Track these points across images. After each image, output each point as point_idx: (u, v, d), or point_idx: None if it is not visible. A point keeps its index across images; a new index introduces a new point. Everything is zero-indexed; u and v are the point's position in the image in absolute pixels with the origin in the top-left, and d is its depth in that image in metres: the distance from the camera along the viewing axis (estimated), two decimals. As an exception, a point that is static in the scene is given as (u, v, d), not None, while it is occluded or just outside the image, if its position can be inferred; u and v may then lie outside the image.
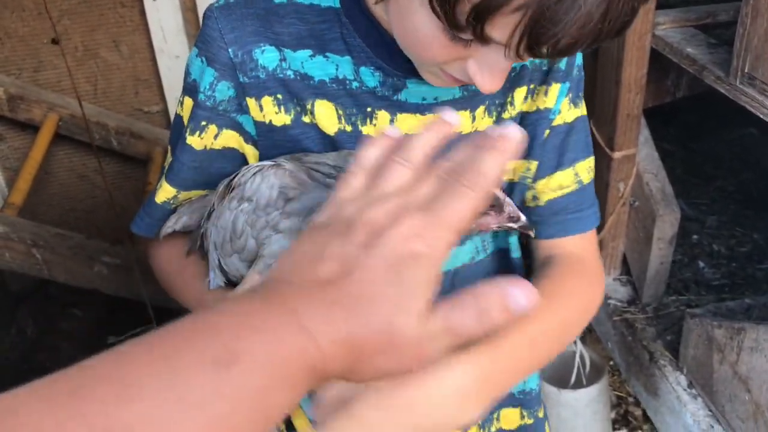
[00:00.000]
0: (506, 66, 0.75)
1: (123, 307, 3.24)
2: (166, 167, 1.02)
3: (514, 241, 1.09)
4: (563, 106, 1.02)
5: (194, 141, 0.97)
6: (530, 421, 1.20)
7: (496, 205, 0.76)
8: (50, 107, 3.05)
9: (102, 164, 3.04)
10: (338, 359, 0.51)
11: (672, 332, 1.89)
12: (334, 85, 0.92)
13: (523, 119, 1.00)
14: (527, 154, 1.02)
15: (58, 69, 3.11)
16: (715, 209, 2.31)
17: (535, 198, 1.07)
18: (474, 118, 0.95)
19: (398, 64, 0.90)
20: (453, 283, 1.05)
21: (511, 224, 0.76)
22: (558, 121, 1.03)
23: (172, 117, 3.34)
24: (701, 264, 2.09)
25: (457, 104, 0.94)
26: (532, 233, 0.78)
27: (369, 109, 0.93)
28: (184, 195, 1.03)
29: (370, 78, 0.92)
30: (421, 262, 0.54)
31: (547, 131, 1.03)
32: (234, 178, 0.90)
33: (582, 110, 1.05)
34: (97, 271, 2.51)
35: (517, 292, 0.54)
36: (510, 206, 0.76)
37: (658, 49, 1.75)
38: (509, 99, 0.96)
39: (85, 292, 2.77)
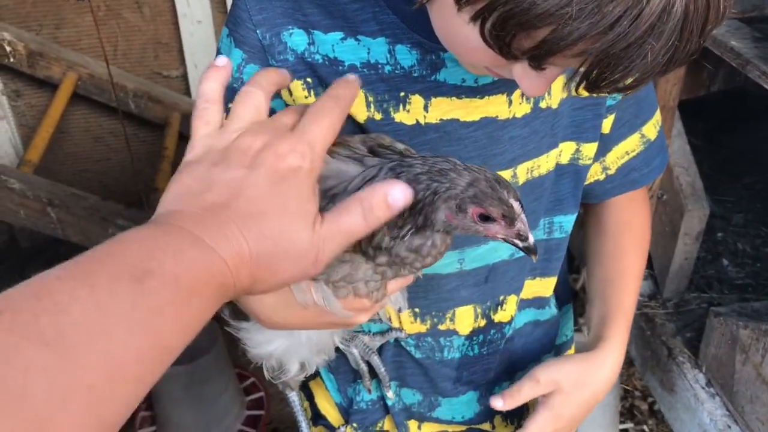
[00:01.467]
0: (555, 74, 0.72)
1: (132, 271, 3.22)
2: None
3: (569, 220, 1.08)
4: None
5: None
6: None
7: (507, 217, 0.74)
8: (69, 66, 3.01)
9: (122, 126, 3.01)
10: (242, 271, 0.57)
11: (692, 329, 1.87)
12: (365, 70, 0.88)
13: (570, 104, 0.97)
14: (576, 138, 1.00)
15: (79, 27, 3.07)
16: (742, 207, 2.28)
17: (605, 169, 1.10)
18: (510, 102, 0.92)
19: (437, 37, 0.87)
20: (488, 278, 1.03)
21: (517, 241, 0.75)
22: (620, 97, 1.02)
23: (191, 83, 3.31)
24: (725, 262, 2.06)
25: (495, 88, 0.90)
26: (534, 258, 0.77)
27: (402, 94, 0.89)
28: None
29: (407, 56, 0.88)
30: (299, 174, 0.61)
31: (610, 116, 1.02)
32: None
33: None
34: (111, 233, 2.49)
35: (396, 191, 0.63)
36: (522, 224, 0.74)
37: (700, 40, 1.70)
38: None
39: (95, 253, 2.75)
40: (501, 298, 1.06)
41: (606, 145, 1.07)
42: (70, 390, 0.41)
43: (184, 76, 3.34)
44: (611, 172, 1.10)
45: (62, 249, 3.35)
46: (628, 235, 1.15)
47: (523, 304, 1.10)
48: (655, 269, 2.04)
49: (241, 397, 2.55)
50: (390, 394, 1.06)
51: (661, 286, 1.99)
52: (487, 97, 0.90)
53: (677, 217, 1.86)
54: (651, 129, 1.10)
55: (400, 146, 0.88)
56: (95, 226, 2.49)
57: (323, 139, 0.64)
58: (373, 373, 1.08)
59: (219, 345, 2.41)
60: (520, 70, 0.71)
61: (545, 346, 1.17)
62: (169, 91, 3.25)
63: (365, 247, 0.78)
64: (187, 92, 3.35)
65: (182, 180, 0.61)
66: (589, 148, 1.03)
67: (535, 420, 1.01)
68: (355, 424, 1.13)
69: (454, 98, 0.90)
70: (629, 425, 2.89)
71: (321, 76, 0.89)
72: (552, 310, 1.17)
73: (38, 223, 2.46)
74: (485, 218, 0.74)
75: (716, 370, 1.70)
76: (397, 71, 0.88)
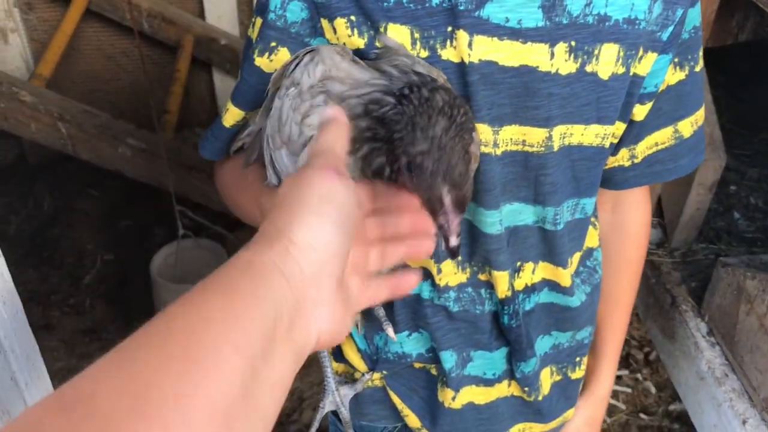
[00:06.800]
0: None
1: (140, 194, 3.25)
2: (233, 90, 0.98)
3: (591, 203, 1.06)
4: (668, 74, 0.98)
5: (263, 62, 0.92)
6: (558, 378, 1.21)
7: (429, 206, 0.68)
8: (84, -21, 2.95)
9: (134, 46, 2.97)
10: None
11: (697, 279, 1.87)
12: (411, 5, 0.85)
13: (613, 80, 0.93)
14: (603, 118, 0.96)
15: (95, -60, 3.00)
16: (757, 161, 2.26)
17: (633, 157, 1.07)
18: (552, 55, 0.88)
19: None
20: (509, 242, 1.01)
21: (438, 233, 0.70)
22: (661, 88, 0.99)
23: (205, 5, 3.26)
24: (736, 215, 2.05)
25: (537, 35, 0.87)
26: (453, 260, 0.74)
27: (449, 29, 0.86)
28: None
29: None
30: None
31: (648, 104, 1.00)
32: (290, 62, 0.85)
33: (687, 71, 1.01)
34: (121, 152, 2.49)
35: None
36: (445, 222, 0.68)
37: (732, -15, 1.66)
38: (596, 51, 0.89)
39: (103, 173, 2.76)
40: (518, 264, 1.04)
41: (639, 133, 1.04)
42: None
43: (199, -2, 3.28)
44: (637, 160, 1.08)
45: (71, 166, 3.36)
46: (627, 271, 1.22)
47: (541, 284, 1.09)
48: (665, 218, 2.04)
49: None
50: (391, 334, 1.04)
51: (670, 235, 1.99)
52: (529, 43, 0.87)
53: (692, 166, 1.85)
54: (687, 126, 1.06)
55: (434, 74, 0.84)
56: (105, 144, 2.48)
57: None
58: (420, 325, 1.07)
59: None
60: None
61: (559, 324, 1.14)
62: (183, 13, 3.20)
63: (365, 169, 0.77)
64: (201, 14, 3.30)
65: None
66: (611, 129, 0.99)
67: None
68: (384, 371, 1.12)
69: (495, 39, 0.86)
70: (624, 372, 2.93)
71: (366, 12, 0.86)
72: (570, 300, 1.11)
73: (48, 138, 2.45)
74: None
75: (719, 320, 1.71)
76: (444, 4, 0.85)
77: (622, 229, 1.19)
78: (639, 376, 2.96)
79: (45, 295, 2.93)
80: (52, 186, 3.41)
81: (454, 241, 0.69)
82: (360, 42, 0.87)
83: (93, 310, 2.93)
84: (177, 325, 0.48)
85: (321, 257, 0.58)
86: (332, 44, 0.82)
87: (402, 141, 0.69)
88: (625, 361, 3.01)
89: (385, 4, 0.85)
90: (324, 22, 0.88)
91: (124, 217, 3.34)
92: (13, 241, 3.15)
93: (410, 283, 0.75)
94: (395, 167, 0.72)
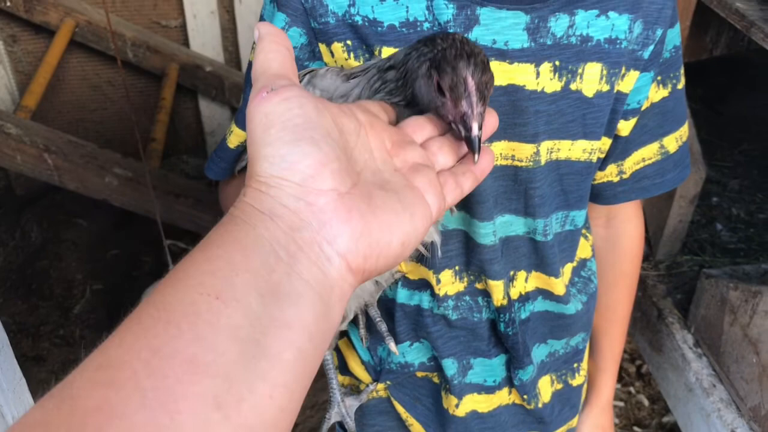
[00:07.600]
0: None
1: (127, 222, 3.25)
2: (237, 113, 1.02)
3: (581, 215, 1.08)
4: (651, 91, 1.02)
5: None
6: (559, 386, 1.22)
7: (454, 91, 0.65)
8: (67, 12, 2.97)
9: (119, 75, 2.99)
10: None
11: (683, 291, 1.89)
12: (404, 29, 0.89)
13: (597, 97, 0.96)
14: (590, 133, 0.99)
15: (77, -28, 3.02)
16: (738, 173, 2.29)
17: (621, 173, 1.11)
18: (538, 74, 0.92)
19: None
20: (503, 251, 1.04)
21: (459, 127, 0.66)
22: (645, 105, 1.03)
23: (189, 33, 3.28)
24: (719, 226, 2.08)
25: (523, 56, 0.91)
26: (473, 157, 0.65)
27: None
28: None
29: (444, 11, 0.89)
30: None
31: (632, 119, 1.03)
32: None
33: (670, 89, 1.05)
34: (108, 182, 2.50)
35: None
36: (469, 107, 0.64)
37: (704, 2, 1.70)
38: (580, 70, 0.93)
39: (90, 203, 2.76)
40: (512, 273, 1.07)
41: (626, 149, 1.08)
42: None
43: (183, 27, 3.31)
44: (626, 176, 1.11)
45: (58, 197, 3.36)
46: (622, 284, 1.25)
47: (535, 293, 1.11)
48: (649, 231, 2.06)
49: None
50: (393, 347, 1.05)
51: (655, 248, 2.01)
52: (515, 63, 0.91)
53: (673, 179, 1.87)
54: (672, 142, 1.10)
55: None
56: (92, 174, 2.49)
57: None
58: (421, 335, 1.08)
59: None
60: None
61: (555, 332, 1.17)
62: (168, 41, 3.22)
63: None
64: (186, 43, 3.32)
65: None
66: (598, 144, 1.02)
67: None
68: (388, 382, 1.15)
69: None
70: (617, 385, 2.94)
71: (361, 37, 0.90)
72: (566, 308, 1.14)
73: (35, 170, 2.46)
74: (441, 90, 0.67)
75: (704, 331, 1.73)
76: (434, 28, 0.89)
77: (616, 243, 1.22)
78: (632, 389, 2.97)
79: (34, 326, 2.91)
80: (39, 217, 3.40)
81: (476, 129, 0.64)
82: (356, 65, 0.91)
83: (83, 341, 2.91)
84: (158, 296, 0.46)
85: (295, 180, 0.51)
86: (330, 66, 0.84)
87: (423, 54, 0.69)
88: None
89: (379, 29, 0.89)
90: (322, 47, 0.92)
91: (112, 247, 3.33)
92: (0, 273, 3.14)
93: (489, 159, 0.67)
94: (430, 77, 0.69)
